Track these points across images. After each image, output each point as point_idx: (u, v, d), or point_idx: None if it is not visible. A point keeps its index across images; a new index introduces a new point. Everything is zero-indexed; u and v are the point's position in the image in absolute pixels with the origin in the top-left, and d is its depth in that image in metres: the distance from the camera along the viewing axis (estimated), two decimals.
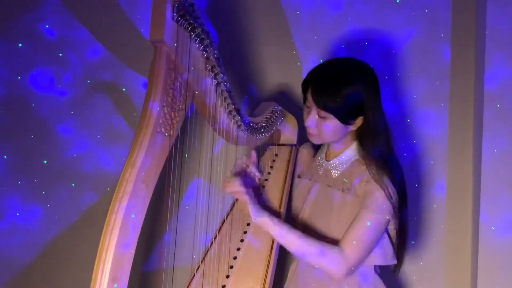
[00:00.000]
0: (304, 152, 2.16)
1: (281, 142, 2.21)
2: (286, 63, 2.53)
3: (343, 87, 1.76)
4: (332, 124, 1.80)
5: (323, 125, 1.81)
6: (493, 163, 2.20)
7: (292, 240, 1.77)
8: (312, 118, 1.83)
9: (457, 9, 2.37)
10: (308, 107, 1.85)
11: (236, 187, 1.77)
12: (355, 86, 1.77)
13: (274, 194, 1.99)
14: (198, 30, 1.53)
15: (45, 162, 2.59)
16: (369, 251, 1.80)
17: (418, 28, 2.40)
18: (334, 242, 1.82)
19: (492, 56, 2.20)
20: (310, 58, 2.49)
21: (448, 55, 2.38)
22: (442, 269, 2.39)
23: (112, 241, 1.33)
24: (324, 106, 1.77)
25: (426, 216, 2.39)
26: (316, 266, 1.79)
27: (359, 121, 1.83)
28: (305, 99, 1.88)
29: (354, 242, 1.76)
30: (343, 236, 1.79)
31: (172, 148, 1.49)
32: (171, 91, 1.44)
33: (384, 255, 1.86)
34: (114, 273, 1.34)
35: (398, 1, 2.41)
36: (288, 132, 2.19)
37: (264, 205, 1.92)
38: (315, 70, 1.87)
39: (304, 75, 2.43)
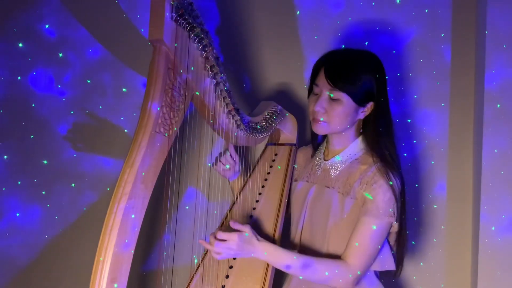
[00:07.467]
0: (300, 156, 2.15)
1: (281, 141, 2.20)
2: (286, 62, 2.52)
3: (359, 69, 1.78)
4: (343, 106, 1.78)
5: (335, 108, 1.79)
6: (493, 163, 2.19)
7: (298, 271, 1.73)
8: (322, 102, 1.80)
9: (457, 9, 2.36)
10: (316, 94, 1.84)
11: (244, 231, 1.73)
12: (370, 71, 1.79)
13: (273, 195, 1.98)
14: (197, 30, 1.51)
15: (45, 162, 2.59)
16: (374, 257, 1.78)
17: (418, 28, 2.40)
18: (333, 246, 1.82)
19: (492, 56, 2.19)
20: (310, 58, 2.48)
21: (448, 55, 2.37)
22: (442, 269, 2.38)
23: (111, 242, 1.31)
24: (340, 85, 1.76)
25: (426, 216, 2.39)
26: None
27: (369, 107, 1.83)
28: (312, 86, 1.87)
29: (358, 251, 1.74)
30: (347, 245, 1.77)
31: (171, 148, 1.48)
32: (170, 90, 1.43)
33: (381, 261, 1.84)
34: (113, 274, 1.32)
35: (398, 1, 2.40)
36: (288, 131, 2.18)
37: (263, 205, 1.92)
38: (327, 54, 1.87)
39: (304, 74, 2.44)
